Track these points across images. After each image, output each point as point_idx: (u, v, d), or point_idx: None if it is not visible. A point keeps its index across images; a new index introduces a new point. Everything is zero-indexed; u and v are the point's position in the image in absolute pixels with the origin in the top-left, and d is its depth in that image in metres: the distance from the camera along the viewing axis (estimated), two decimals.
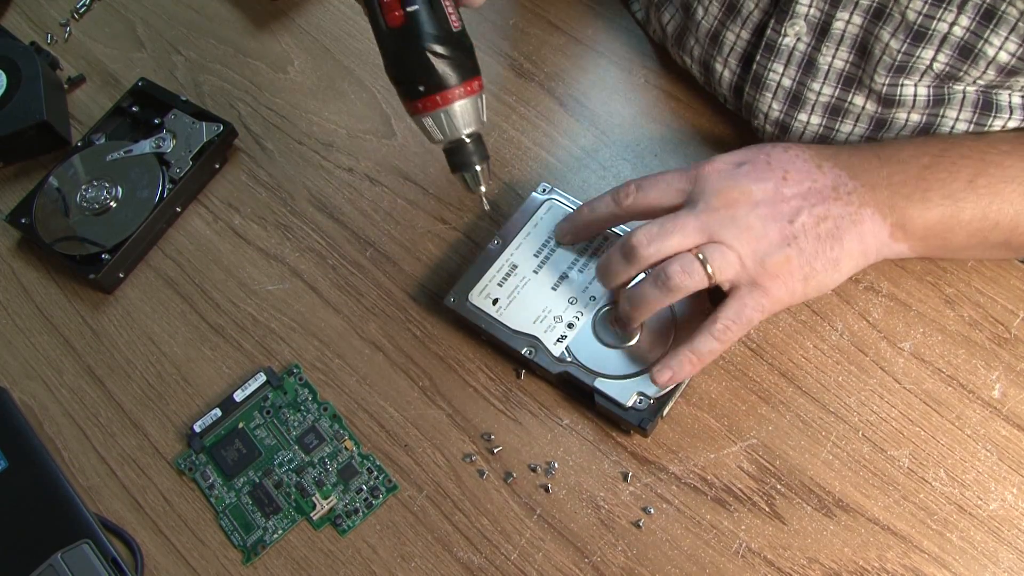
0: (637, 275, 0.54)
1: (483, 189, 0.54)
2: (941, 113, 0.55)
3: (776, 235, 0.51)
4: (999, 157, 0.52)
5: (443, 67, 0.50)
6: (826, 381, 0.56)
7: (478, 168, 0.53)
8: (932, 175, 0.52)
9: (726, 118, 0.66)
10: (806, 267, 0.51)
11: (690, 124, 0.67)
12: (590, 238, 0.59)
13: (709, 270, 0.51)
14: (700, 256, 0.51)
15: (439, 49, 0.50)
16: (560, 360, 0.55)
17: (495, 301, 0.58)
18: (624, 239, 0.52)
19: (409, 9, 0.49)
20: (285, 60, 0.75)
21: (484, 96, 0.52)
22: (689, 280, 0.51)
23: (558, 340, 0.56)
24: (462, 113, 0.51)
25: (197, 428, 0.59)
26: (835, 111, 0.58)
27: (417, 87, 0.50)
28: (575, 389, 0.56)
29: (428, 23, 0.49)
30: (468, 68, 0.51)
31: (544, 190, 0.61)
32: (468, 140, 0.52)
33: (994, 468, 0.52)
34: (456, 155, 0.53)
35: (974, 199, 0.51)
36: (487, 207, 0.57)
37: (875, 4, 0.52)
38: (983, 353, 0.55)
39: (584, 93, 0.69)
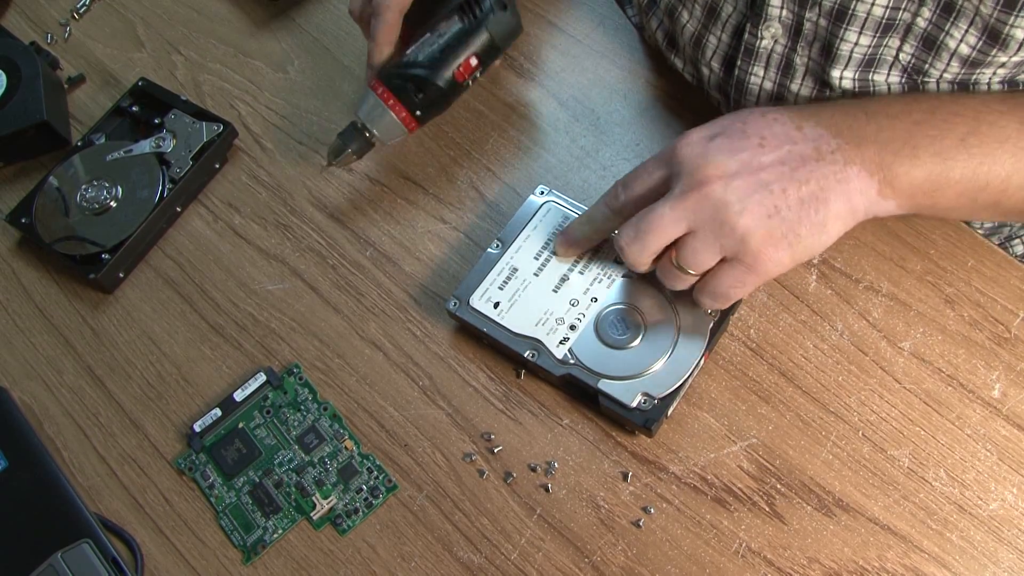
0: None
1: (333, 166, 0.65)
2: None
3: (756, 208, 0.48)
4: (994, 116, 0.50)
5: (410, 88, 0.61)
6: (826, 381, 0.56)
7: (349, 150, 0.64)
8: (922, 131, 0.50)
9: None
10: (790, 235, 0.49)
11: (690, 124, 0.66)
12: (592, 247, 0.58)
13: (692, 272, 0.51)
14: (675, 263, 0.51)
15: (423, 80, 0.61)
16: (563, 362, 0.55)
17: (496, 305, 0.57)
18: (613, 241, 0.53)
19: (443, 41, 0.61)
20: (285, 60, 0.75)
21: (408, 135, 0.64)
22: (682, 284, 0.53)
23: (561, 342, 0.56)
24: (386, 121, 0.63)
25: (197, 428, 0.59)
26: None
27: (392, 78, 0.62)
28: (579, 391, 0.56)
29: (441, 62, 0.61)
30: (423, 107, 0.62)
31: (542, 192, 0.61)
32: (367, 135, 0.63)
33: (994, 468, 0.52)
34: (349, 133, 0.64)
35: (965, 158, 0.49)
36: (322, 168, 0.68)
37: (836, 6, 0.52)
38: (983, 353, 0.55)
39: (584, 93, 0.69)
